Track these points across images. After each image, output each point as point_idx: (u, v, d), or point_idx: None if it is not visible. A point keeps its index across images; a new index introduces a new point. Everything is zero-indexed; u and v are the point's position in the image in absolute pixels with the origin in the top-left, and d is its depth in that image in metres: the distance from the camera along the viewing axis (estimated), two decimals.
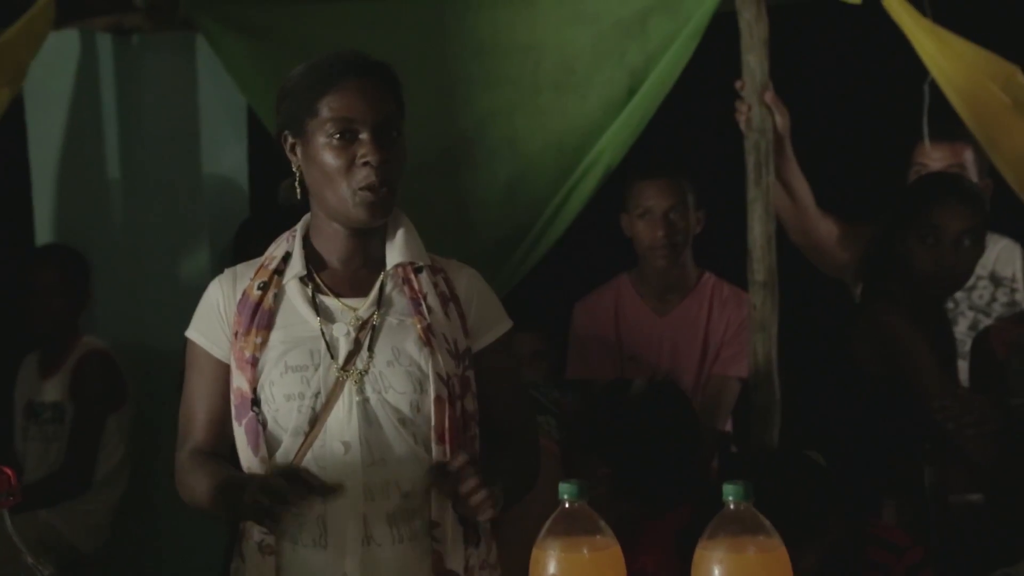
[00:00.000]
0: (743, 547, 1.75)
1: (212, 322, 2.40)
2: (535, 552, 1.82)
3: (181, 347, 4.38)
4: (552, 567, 1.79)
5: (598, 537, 1.81)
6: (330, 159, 2.29)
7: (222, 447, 2.41)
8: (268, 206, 4.64)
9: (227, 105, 4.56)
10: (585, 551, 1.80)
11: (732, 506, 1.77)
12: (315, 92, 2.31)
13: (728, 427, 3.93)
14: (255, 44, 4.04)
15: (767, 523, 1.76)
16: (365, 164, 2.29)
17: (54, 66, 4.34)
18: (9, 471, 2.02)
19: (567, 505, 1.82)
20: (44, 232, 4.63)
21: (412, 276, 2.39)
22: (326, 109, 2.30)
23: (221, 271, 4.53)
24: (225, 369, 2.38)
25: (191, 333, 2.44)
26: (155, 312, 4.47)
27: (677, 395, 3.35)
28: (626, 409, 3.20)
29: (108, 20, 4.49)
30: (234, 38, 4.07)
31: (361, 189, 2.30)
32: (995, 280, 3.94)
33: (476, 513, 2.24)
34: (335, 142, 2.29)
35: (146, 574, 4.49)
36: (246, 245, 4.23)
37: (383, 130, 2.31)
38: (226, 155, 4.62)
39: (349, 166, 2.29)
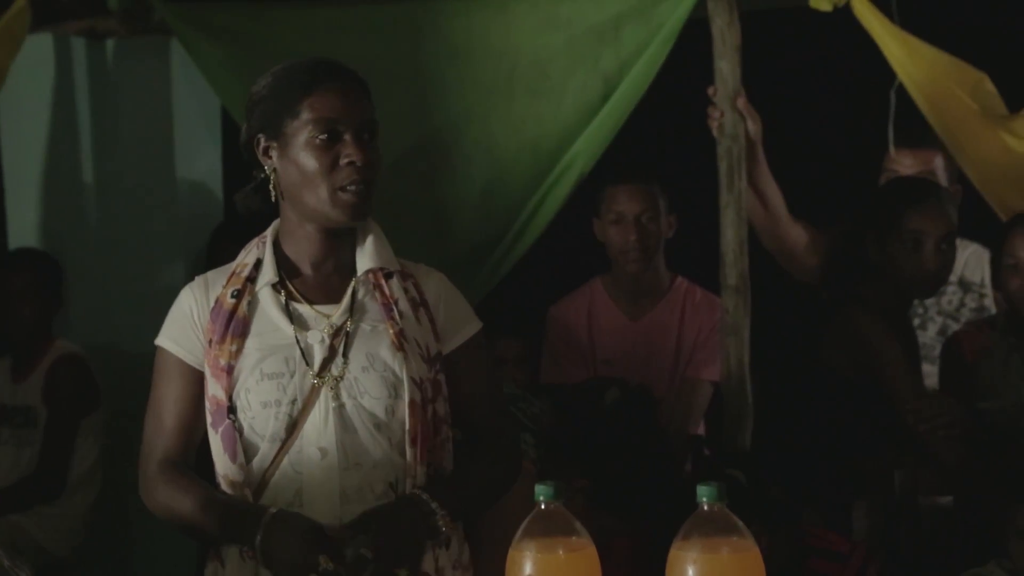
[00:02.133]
0: (717, 548, 1.77)
1: (185, 329, 2.40)
2: (511, 553, 1.83)
3: (154, 351, 4.40)
4: (528, 568, 1.81)
5: (574, 538, 1.83)
6: (312, 160, 2.30)
7: (190, 455, 2.42)
8: (243, 210, 4.65)
9: (201, 110, 4.57)
10: (561, 552, 1.81)
11: (706, 507, 1.79)
12: (296, 93, 2.31)
13: (701, 430, 3.96)
14: (230, 49, 4.05)
15: (741, 524, 1.78)
16: (349, 164, 2.29)
17: (28, 70, 4.33)
18: None
19: (543, 506, 1.84)
20: (17, 236, 4.62)
21: (383, 282, 2.40)
22: (308, 110, 2.30)
23: (195, 274, 4.56)
24: (198, 376, 2.38)
25: (163, 341, 2.43)
26: (128, 316, 4.47)
27: (651, 405, 3.37)
28: (600, 420, 3.21)
29: (81, 24, 4.49)
30: (209, 43, 4.07)
31: (342, 189, 2.30)
32: (964, 285, 3.97)
33: None
34: (318, 142, 2.29)
35: None
36: (220, 250, 4.24)
37: (364, 131, 2.32)
38: (200, 160, 4.62)
39: (332, 166, 2.30)
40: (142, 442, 2.42)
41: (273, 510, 2.26)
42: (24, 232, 4.60)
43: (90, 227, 4.54)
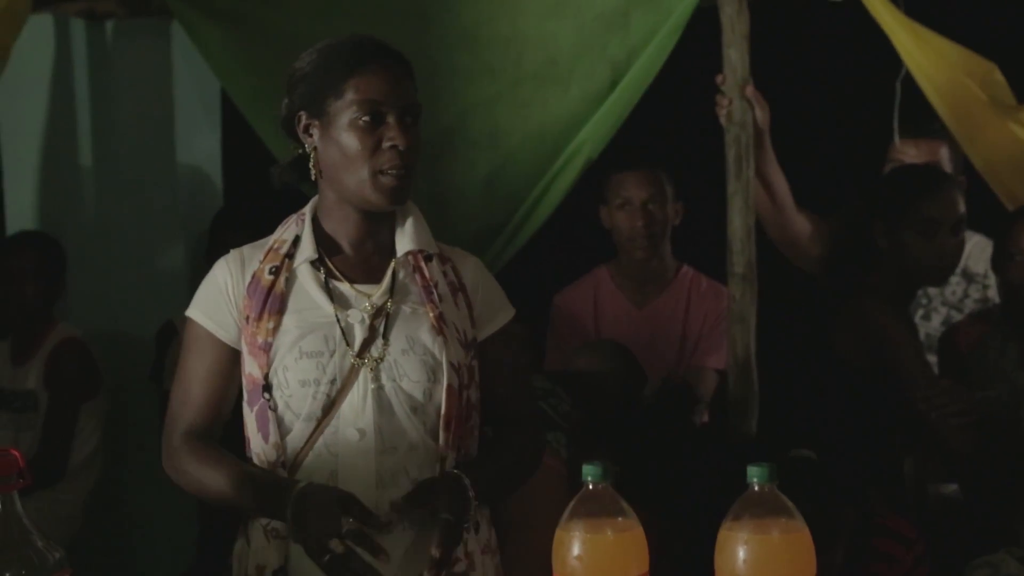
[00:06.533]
0: (767, 529, 1.77)
1: (219, 304, 2.36)
2: (559, 534, 1.83)
3: (153, 335, 4.37)
4: (576, 548, 1.81)
5: (621, 519, 1.83)
6: (354, 141, 2.28)
7: (217, 430, 2.39)
8: (242, 195, 4.63)
9: (201, 93, 4.55)
10: (609, 532, 1.81)
11: (756, 488, 1.79)
12: (341, 73, 2.29)
13: (705, 418, 3.96)
14: (232, 31, 4.01)
15: (791, 505, 1.78)
16: (392, 147, 2.27)
17: (27, 51, 4.27)
18: (17, 453, 2.01)
19: (591, 487, 1.83)
20: (16, 219, 4.59)
21: (423, 264, 2.38)
22: (353, 90, 2.27)
23: (195, 259, 4.55)
24: (229, 352, 2.35)
25: (194, 313, 2.39)
26: (128, 300, 4.46)
27: (691, 400, 3.36)
28: (639, 414, 3.20)
29: (81, 6, 4.45)
30: (210, 25, 4.03)
31: (383, 172, 2.28)
32: (968, 276, 3.99)
33: None
34: (362, 124, 2.27)
35: (118, 562, 4.46)
36: (221, 234, 4.22)
37: (407, 114, 2.30)
38: (200, 143, 4.60)
39: (375, 149, 2.28)
40: (167, 413, 2.39)
41: (303, 483, 2.22)
42: (22, 215, 4.57)
43: (89, 210, 4.51)
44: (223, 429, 2.42)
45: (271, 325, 2.31)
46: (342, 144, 2.29)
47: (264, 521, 2.31)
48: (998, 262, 3.57)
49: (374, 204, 2.32)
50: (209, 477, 2.30)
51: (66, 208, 4.53)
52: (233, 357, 2.35)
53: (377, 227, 2.38)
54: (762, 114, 3.63)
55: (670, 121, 4.47)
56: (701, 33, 3.67)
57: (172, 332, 4.16)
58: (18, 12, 3.88)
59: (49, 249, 4.35)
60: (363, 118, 2.27)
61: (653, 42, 3.71)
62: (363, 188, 2.30)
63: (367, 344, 2.31)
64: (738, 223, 3.63)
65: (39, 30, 4.41)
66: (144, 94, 4.49)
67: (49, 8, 4.39)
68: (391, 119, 2.28)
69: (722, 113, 3.62)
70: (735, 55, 3.62)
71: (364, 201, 2.32)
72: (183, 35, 4.16)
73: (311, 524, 2.15)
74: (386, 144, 2.28)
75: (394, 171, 2.29)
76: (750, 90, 3.60)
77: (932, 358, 3.81)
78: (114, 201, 4.49)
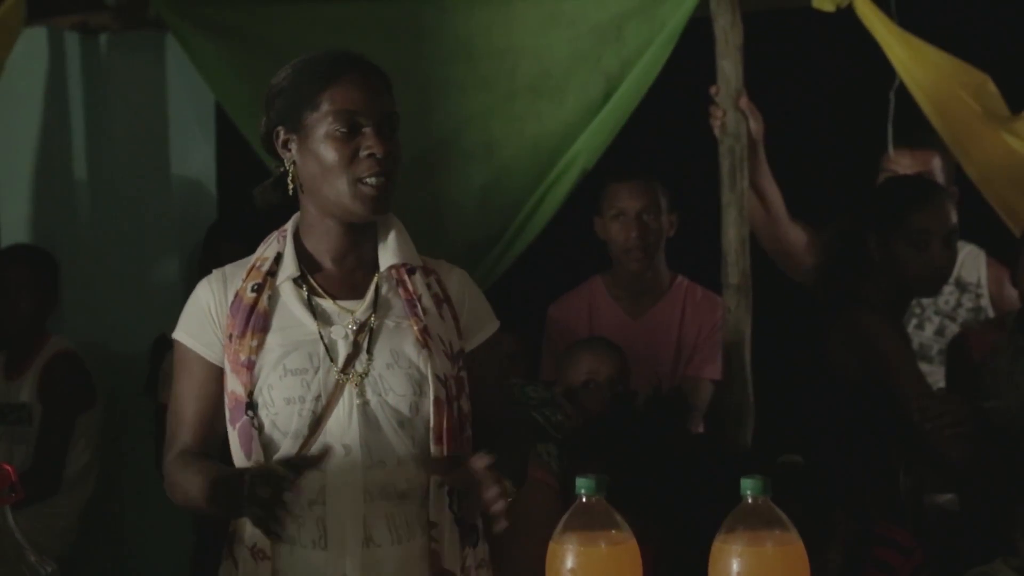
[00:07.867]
0: (761, 541, 1.76)
1: (203, 324, 2.36)
2: (552, 546, 1.82)
3: (147, 348, 4.37)
4: (570, 561, 1.80)
5: (615, 532, 1.82)
6: (332, 152, 2.27)
7: (211, 448, 2.38)
8: (237, 208, 4.63)
9: (196, 106, 4.54)
10: (603, 545, 1.81)
11: (750, 500, 1.78)
12: (316, 85, 2.28)
13: (700, 429, 3.96)
14: (227, 44, 4.03)
15: (784, 517, 1.78)
16: (370, 156, 2.26)
17: (21, 64, 4.28)
18: (9, 467, 2.00)
19: (584, 500, 1.83)
20: (9, 232, 4.58)
21: (406, 278, 2.37)
22: (328, 102, 2.26)
23: (189, 272, 4.55)
24: (216, 371, 2.34)
25: (180, 336, 2.38)
26: (122, 313, 4.45)
27: (685, 409, 3.36)
28: (631, 421, 3.20)
29: (75, 19, 4.46)
30: (204, 38, 4.05)
31: (363, 181, 2.27)
32: (960, 285, 4.00)
33: (490, 518, 2.21)
34: (338, 135, 2.26)
35: None
36: (216, 247, 4.22)
37: (385, 124, 2.29)
38: (194, 156, 4.60)
39: (352, 158, 2.27)
40: (165, 437, 2.39)
41: (251, 470, 2.19)
42: (16, 228, 4.57)
43: (82, 223, 4.51)
44: (219, 447, 2.41)
45: (254, 343, 2.30)
46: (320, 156, 2.28)
47: (250, 543, 2.29)
48: (1016, 277, 3.56)
49: (356, 214, 2.31)
50: (190, 484, 2.28)
51: (60, 221, 4.53)
52: (221, 375, 2.34)
53: (359, 241, 2.37)
54: (756, 125, 3.63)
55: (664, 132, 4.48)
56: (695, 44, 3.67)
57: (166, 345, 4.15)
58: (12, 25, 3.90)
59: (43, 262, 4.34)
60: (340, 129, 2.26)
61: (647, 54, 3.72)
62: (344, 198, 2.28)
63: (351, 360, 2.29)
64: (732, 234, 3.63)
65: (33, 43, 4.41)
66: (138, 107, 4.49)
67: (43, 21, 4.39)
68: (368, 129, 2.27)
69: (716, 124, 3.63)
70: (729, 66, 3.63)
71: (345, 212, 2.31)
72: (177, 48, 4.18)
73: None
74: (363, 153, 2.26)
75: (373, 179, 2.27)
76: (744, 101, 3.61)
77: (926, 367, 3.82)
78: (108, 214, 4.49)
